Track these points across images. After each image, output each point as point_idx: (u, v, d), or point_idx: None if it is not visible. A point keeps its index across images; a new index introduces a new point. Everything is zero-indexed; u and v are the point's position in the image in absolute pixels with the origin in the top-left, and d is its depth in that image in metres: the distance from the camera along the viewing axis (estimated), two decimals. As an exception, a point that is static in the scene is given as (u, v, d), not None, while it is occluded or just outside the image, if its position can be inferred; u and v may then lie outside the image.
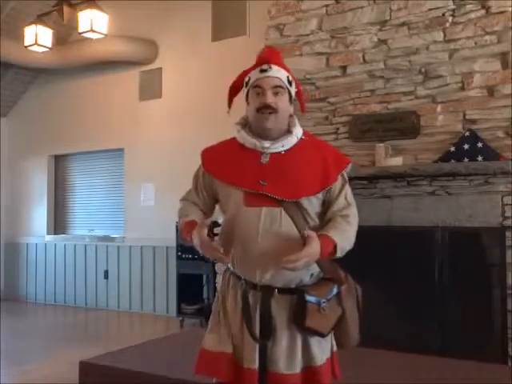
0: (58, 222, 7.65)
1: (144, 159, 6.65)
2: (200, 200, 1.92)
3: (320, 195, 1.78)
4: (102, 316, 6.65)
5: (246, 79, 1.82)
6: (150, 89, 6.66)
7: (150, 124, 6.63)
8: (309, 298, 1.69)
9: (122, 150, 6.90)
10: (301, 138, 1.82)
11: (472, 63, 4.14)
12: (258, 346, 1.70)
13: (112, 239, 7.00)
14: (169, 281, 6.31)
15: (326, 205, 1.81)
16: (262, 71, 1.77)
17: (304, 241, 1.65)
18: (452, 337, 3.99)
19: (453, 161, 4.02)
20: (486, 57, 4.10)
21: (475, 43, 4.14)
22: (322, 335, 1.72)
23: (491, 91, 4.08)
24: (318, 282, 1.77)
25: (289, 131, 1.80)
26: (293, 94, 1.83)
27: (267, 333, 1.71)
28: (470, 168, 3.91)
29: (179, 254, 5.78)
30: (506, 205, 3.92)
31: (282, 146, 1.77)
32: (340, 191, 1.81)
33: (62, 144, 7.37)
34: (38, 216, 7.64)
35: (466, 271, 3.99)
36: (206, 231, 1.70)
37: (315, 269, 1.76)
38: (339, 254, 1.72)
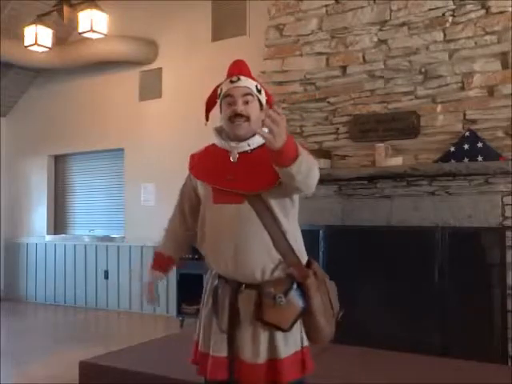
0: (58, 222, 7.65)
1: (144, 159, 6.64)
2: (182, 216, 2.08)
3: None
4: (101, 316, 6.65)
5: (219, 91, 1.91)
6: (150, 89, 6.65)
7: (149, 124, 6.63)
8: (265, 292, 1.76)
9: (121, 149, 6.90)
10: None
11: (472, 63, 4.14)
12: (226, 337, 1.80)
13: (112, 239, 7.00)
14: (169, 281, 6.30)
15: None
16: (232, 82, 1.86)
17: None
18: (452, 337, 3.99)
19: (453, 161, 4.01)
20: (486, 57, 4.10)
21: (475, 43, 4.14)
22: (283, 330, 1.77)
23: (491, 91, 4.08)
24: (277, 278, 1.80)
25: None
26: (263, 101, 1.89)
27: (232, 324, 1.81)
28: (470, 168, 3.91)
29: (179, 253, 5.76)
30: (506, 205, 3.92)
31: (248, 146, 1.83)
32: None
33: (62, 144, 7.37)
34: (38, 216, 7.64)
35: (465, 271, 3.99)
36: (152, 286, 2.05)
37: (278, 258, 1.79)
38: (297, 165, 1.58)
